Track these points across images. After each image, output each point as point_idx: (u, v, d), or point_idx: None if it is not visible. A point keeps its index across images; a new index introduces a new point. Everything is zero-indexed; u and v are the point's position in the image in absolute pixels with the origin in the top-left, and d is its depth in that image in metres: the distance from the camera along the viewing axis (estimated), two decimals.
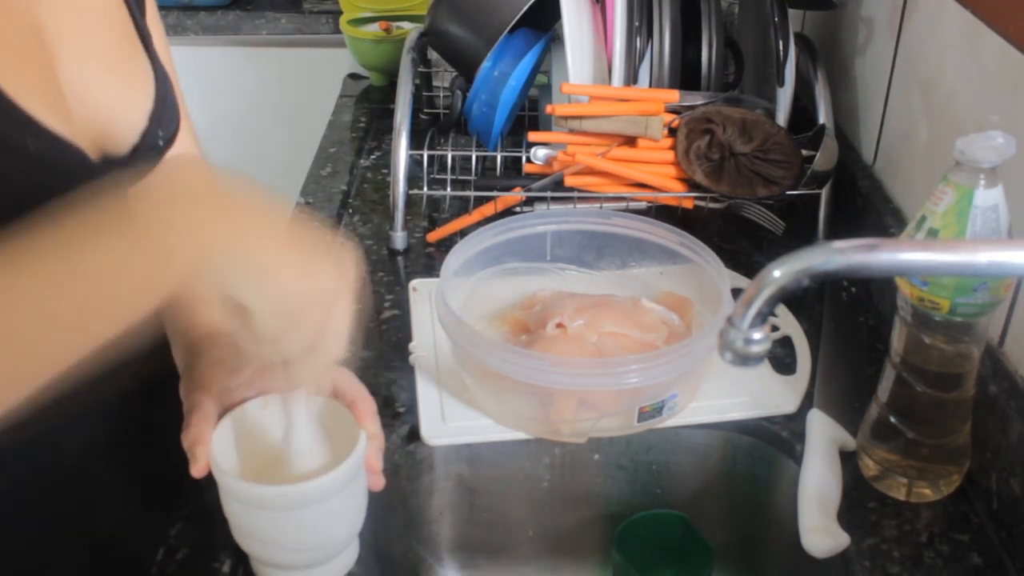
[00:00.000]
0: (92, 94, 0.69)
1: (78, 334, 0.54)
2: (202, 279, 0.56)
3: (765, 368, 0.90)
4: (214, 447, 0.66)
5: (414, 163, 1.12)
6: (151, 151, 0.74)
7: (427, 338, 0.93)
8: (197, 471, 0.66)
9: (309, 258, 0.58)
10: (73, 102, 0.68)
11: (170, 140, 0.76)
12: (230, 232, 0.55)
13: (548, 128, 1.14)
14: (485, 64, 1.11)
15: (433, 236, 1.10)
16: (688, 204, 1.09)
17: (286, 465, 0.69)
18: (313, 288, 0.57)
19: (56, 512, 0.75)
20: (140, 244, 0.55)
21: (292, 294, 0.57)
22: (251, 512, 0.66)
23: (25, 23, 0.65)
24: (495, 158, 1.16)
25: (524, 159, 1.10)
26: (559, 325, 0.87)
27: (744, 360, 0.54)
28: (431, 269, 1.06)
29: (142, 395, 0.79)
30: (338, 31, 1.60)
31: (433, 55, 1.31)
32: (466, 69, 1.15)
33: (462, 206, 1.13)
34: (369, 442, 0.69)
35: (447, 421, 0.84)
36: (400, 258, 1.09)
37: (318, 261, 0.58)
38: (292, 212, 0.57)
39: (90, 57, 0.70)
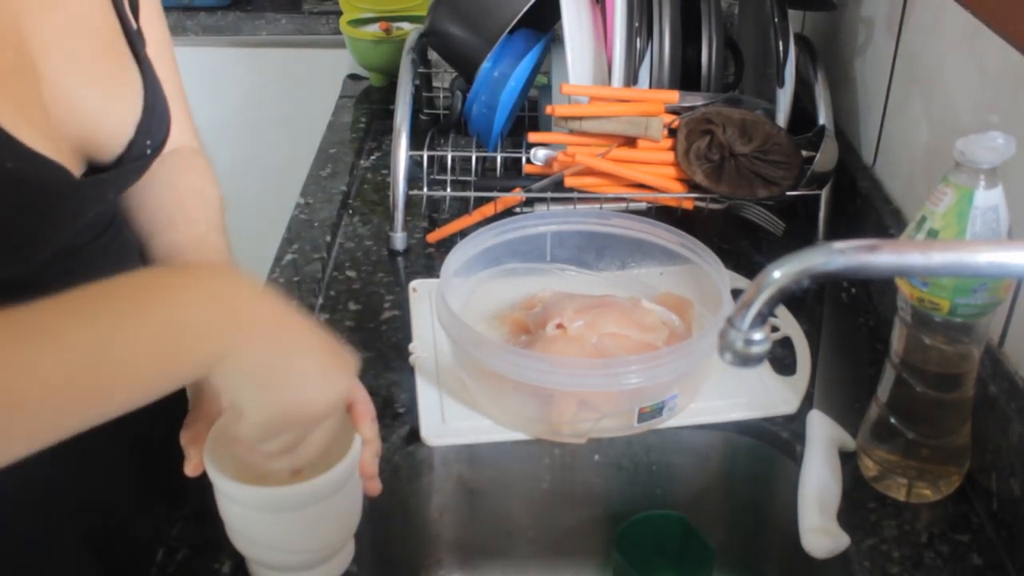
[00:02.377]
0: (77, 105, 0.68)
1: (83, 402, 0.53)
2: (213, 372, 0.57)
3: (765, 369, 0.90)
4: (211, 448, 0.66)
5: (414, 164, 1.12)
6: (138, 160, 0.73)
7: (427, 338, 0.93)
8: (190, 470, 0.67)
9: (316, 379, 0.59)
10: (58, 113, 0.67)
11: (158, 148, 0.75)
12: (253, 336, 0.57)
13: (548, 129, 1.14)
14: (485, 65, 1.11)
15: (433, 237, 1.10)
16: (688, 205, 1.09)
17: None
18: (307, 413, 0.60)
19: (57, 512, 0.75)
20: (163, 330, 0.54)
21: (285, 413, 0.58)
22: (246, 513, 0.66)
23: (9, 37, 0.64)
24: (495, 159, 1.16)
25: (524, 160, 1.10)
26: (559, 326, 0.87)
27: (744, 361, 0.54)
28: (431, 270, 1.06)
29: None
30: (338, 32, 1.60)
31: (433, 56, 1.31)
32: (466, 70, 1.15)
33: (462, 207, 1.13)
34: (364, 447, 0.69)
35: (447, 422, 0.84)
36: (400, 259, 1.09)
37: (323, 383, 0.60)
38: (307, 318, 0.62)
39: (76, 68, 0.69)
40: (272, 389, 0.57)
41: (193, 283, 0.57)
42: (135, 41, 0.75)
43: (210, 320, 0.55)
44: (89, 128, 0.69)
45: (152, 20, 0.81)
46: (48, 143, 0.65)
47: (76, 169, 0.69)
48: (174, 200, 0.82)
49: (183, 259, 0.78)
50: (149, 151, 0.74)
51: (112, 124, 0.71)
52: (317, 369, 0.59)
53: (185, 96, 0.85)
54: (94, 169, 0.71)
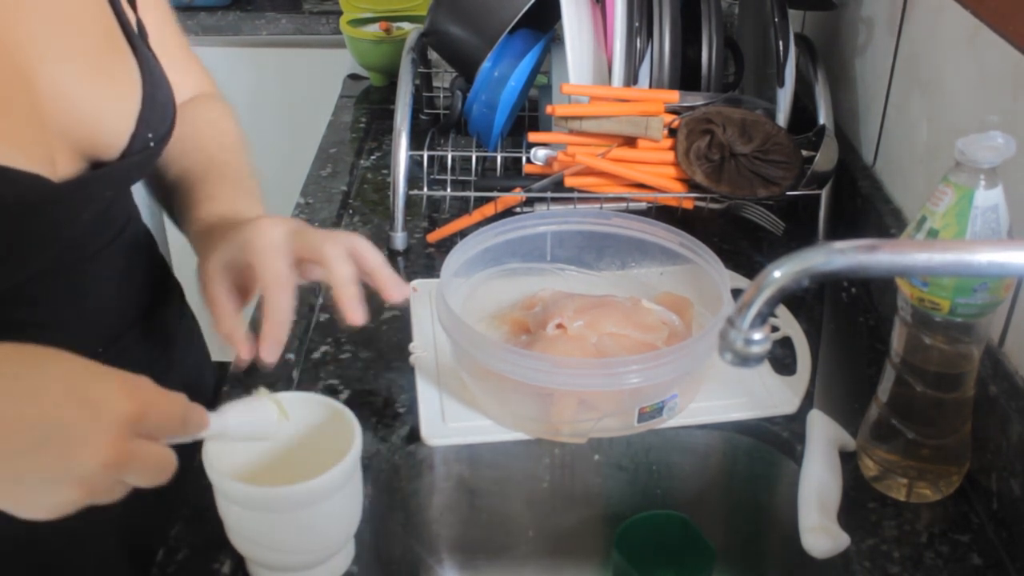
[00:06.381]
0: (75, 104, 0.68)
1: None
2: None
3: (765, 368, 0.90)
4: (210, 448, 0.66)
5: (414, 163, 1.12)
6: (142, 153, 0.73)
7: (427, 338, 0.93)
8: (245, 353, 0.69)
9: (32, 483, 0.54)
10: (56, 113, 0.67)
11: (162, 140, 0.75)
12: None
13: (548, 128, 1.14)
14: (485, 65, 1.11)
15: (433, 236, 1.10)
16: (688, 204, 1.09)
17: (283, 467, 0.69)
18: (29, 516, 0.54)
19: None
20: None
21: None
22: (246, 513, 0.66)
23: None
24: (495, 159, 1.16)
25: (524, 159, 1.10)
26: (559, 326, 0.87)
27: (744, 360, 0.54)
28: (431, 269, 1.06)
29: None
30: (338, 31, 1.60)
31: (433, 55, 1.31)
32: (466, 69, 1.15)
33: (462, 207, 1.13)
34: (351, 286, 0.70)
35: (447, 421, 0.84)
36: (400, 258, 1.09)
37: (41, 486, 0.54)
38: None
39: (72, 67, 0.69)
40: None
41: None
42: (131, 32, 0.75)
43: None
44: (89, 126, 0.69)
45: (157, 9, 0.82)
46: (28, 151, 0.64)
47: (75, 168, 0.69)
48: (187, 134, 0.83)
49: (188, 185, 0.80)
50: (152, 143, 0.74)
51: (112, 120, 0.71)
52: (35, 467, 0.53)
53: (195, 55, 0.91)
54: (98, 167, 0.71)
